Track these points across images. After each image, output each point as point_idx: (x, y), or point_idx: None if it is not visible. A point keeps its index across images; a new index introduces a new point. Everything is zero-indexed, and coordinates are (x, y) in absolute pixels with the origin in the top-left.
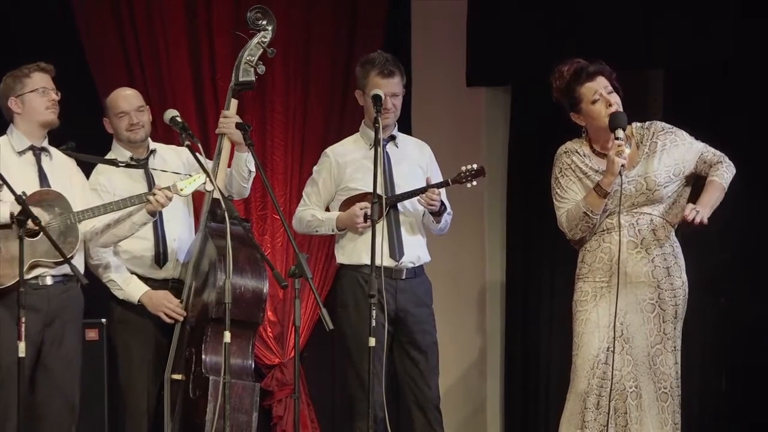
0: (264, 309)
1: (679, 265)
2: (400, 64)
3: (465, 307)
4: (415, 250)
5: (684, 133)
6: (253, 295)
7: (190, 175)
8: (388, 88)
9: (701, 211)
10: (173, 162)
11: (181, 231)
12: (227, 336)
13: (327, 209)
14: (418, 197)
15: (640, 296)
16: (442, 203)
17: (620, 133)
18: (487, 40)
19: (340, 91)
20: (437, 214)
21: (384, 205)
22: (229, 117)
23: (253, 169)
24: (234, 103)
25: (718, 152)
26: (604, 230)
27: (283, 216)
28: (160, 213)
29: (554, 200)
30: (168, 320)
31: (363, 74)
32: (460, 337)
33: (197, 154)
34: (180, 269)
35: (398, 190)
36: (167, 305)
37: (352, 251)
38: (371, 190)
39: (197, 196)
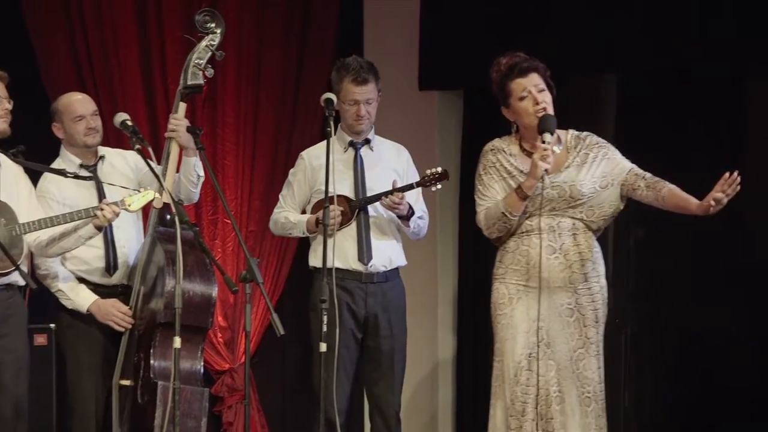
0: (213, 314)
1: (597, 270)
2: (376, 69)
3: (416, 312)
4: (386, 254)
5: (616, 150)
6: (202, 300)
7: (138, 191)
8: (362, 95)
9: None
10: (122, 167)
11: (130, 236)
12: (177, 341)
13: (304, 212)
14: (381, 200)
15: (558, 301)
16: (411, 207)
17: (547, 136)
18: (440, 44)
19: (291, 95)
20: (405, 218)
21: (355, 207)
22: (179, 120)
23: (202, 173)
24: (183, 106)
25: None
26: (523, 232)
27: (234, 220)
28: None
29: (475, 197)
30: (118, 328)
31: (337, 79)
32: (412, 343)
33: (147, 159)
34: (128, 274)
35: (371, 192)
36: (116, 314)
37: (327, 255)
38: (343, 193)
39: None
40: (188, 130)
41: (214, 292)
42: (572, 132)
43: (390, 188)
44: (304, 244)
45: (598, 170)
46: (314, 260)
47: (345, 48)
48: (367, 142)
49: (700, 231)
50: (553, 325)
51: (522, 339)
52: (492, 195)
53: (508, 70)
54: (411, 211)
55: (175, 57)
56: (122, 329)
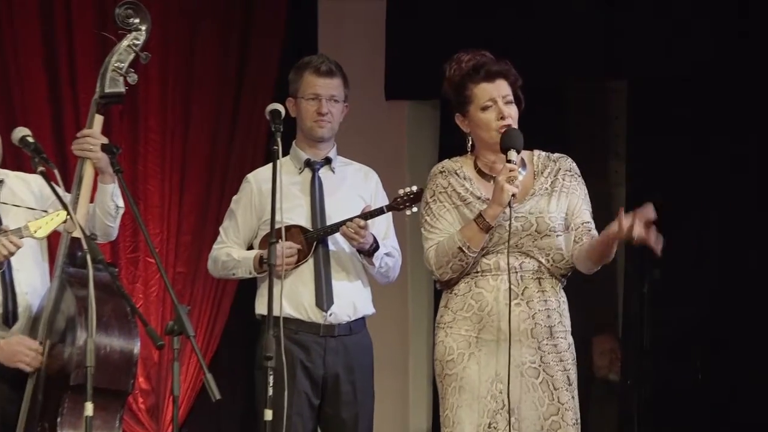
0: (135, 374)
1: (564, 324)
2: (345, 73)
3: (385, 373)
4: (350, 299)
5: (584, 187)
6: (120, 357)
7: (45, 212)
8: (325, 89)
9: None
10: (23, 194)
11: (33, 280)
12: (89, 408)
13: (251, 248)
14: (341, 229)
15: (519, 359)
16: (375, 241)
17: (513, 155)
18: (411, 47)
19: (230, 108)
20: (368, 254)
21: (312, 240)
22: (93, 137)
23: (122, 203)
24: (99, 119)
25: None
26: (478, 272)
27: (159, 259)
28: (8, 260)
29: (422, 231)
30: (29, 369)
31: (296, 77)
32: (379, 409)
33: (53, 183)
34: (30, 326)
35: (331, 222)
36: (26, 352)
37: (275, 300)
38: (298, 223)
39: (53, 235)
40: (103, 148)
41: (136, 347)
42: (539, 153)
43: (356, 215)
44: (246, 288)
45: (566, 205)
46: (261, 307)
47: (295, 53)
48: (328, 161)
49: (731, 270)
50: (515, 387)
51: (478, 405)
52: (443, 227)
53: (473, 70)
54: (375, 245)
55: (87, 59)
56: (32, 370)
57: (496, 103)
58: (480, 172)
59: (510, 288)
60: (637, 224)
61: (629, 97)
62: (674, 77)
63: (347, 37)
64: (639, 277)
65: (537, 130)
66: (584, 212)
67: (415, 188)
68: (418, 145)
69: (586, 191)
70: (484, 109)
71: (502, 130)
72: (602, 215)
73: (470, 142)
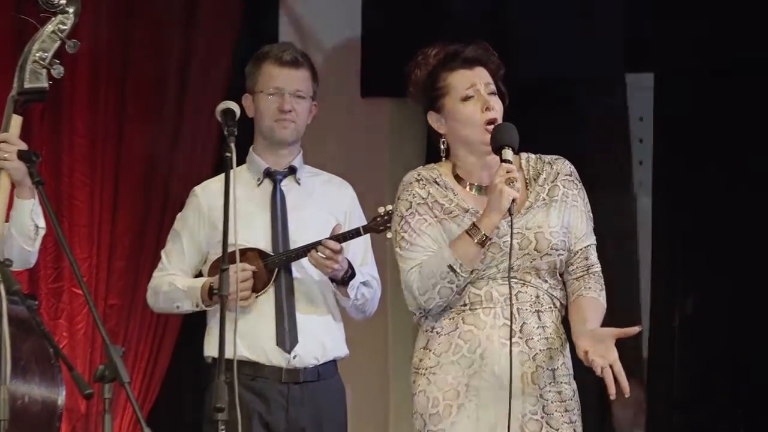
0: (58, 429)
1: (567, 366)
2: (313, 64)
3: (361, 426)
4: (319, 338)
5: (586, 197)
6: (41, 409)
7: None
8: (288, 82)
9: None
10: None
11: None
12: None
13: (200, 275)
14: (310, 254)
15: (519, 410)
16: (351, 267)
17: (509, 153)
18: (391, 34)
19: (174, 107)
20: (341, 283)
21: (273, 267)
22: (8, 142)
23: (43, 223)
24: (16, 121)
25: (598, 260)
26: (465, 305)
27: (87, 290)
28: None
29: (397, 251)
30: None
31: (254, 69)
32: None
33: None
34: None
35: (296, 246)
36: None
37: (228, 339)
38: (256, 246)
39: None
40: (20, 156)
41: (60, 397)
42: (528, 156)
43: (325, 237)
44: (193, 324)
45: (566, 216)
46: (211, 348)
47: (252, 41)
48: (292, 171)
49: None
50: None
51: None
52: (426, 244)
53: (446, 57)
54: (350, 272)
55: (2, 48)
56: None
57: (478, 91)
58: (461, 182)
59: (500, 323)
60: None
61: (656, 95)
62: (708, 71)
63: (313, 22)
64: (668, 310)
65: (543, 135)
66: (585, 234)
67: None
68: (402, 151)
69: (588, 201)
70: (465, 99)
71: (490, 126)
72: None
73: (444, 145)
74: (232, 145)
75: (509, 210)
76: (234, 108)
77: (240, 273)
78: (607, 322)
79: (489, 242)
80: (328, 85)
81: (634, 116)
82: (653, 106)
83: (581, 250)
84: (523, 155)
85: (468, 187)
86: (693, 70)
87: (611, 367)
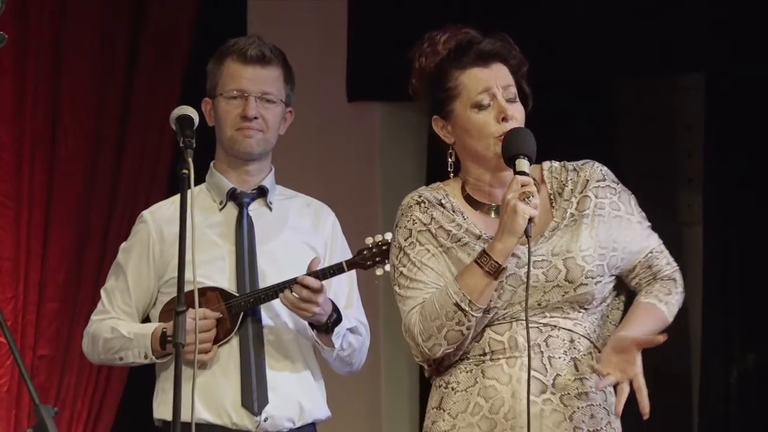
0: None
1: (614, 426)
2: (287, 60)
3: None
4: (293, 396)
5: (633, 198)
6: None
7: None
8: (256, 82)
9: (627, 380)
10: None
11: None
12: None
13: (148, 319)
14: (284, 295)
15: None
16: (335, 310)
17: (524, 164)
18: (383, 29)
19: (118, 113)
20: (324, 330)
21: (238, 311)
22: None
23: None
24: None
25: (672, 260)
26: (485, 354)
27: (12, 338)
28: None
29: (396, 289)
30: None
31: (215, 67)
32: None
33: None
34: None
35: (266, 284)
36: None
37: (184, 399)
38: (219, 285)
39: None
40: None
41: None
42: (550, 164)
43: (303, 273)
44: (141, 379)
45: (606, 234)
46: (162, 409)
47: (213, 33)
48: (262, 193)
49: None
50: None
51: None
52: (429, 280)
53: (458, 49)
54: (335, 317)
55: None
56: None
57: (494, 97)
58: (470, 201)
59: (524, 377)
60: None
61: (708, 99)
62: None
63: (289, 14)
64: (724, 364)
65: (572, 148)
66: (641, 242)
67: (389, 237)
68: (396, 165)
69: (635, 203)
70: (477, 106)
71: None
72: None
73: (452, 158)
74: (190, 160)
75: (526, 231)
76: (191, 114)
77: (201, 322)
78: (650, 379)
79: (504, 273)
80: (308, 88)
81: (680, 125)
82: (705, 113)
83: (641, 261)
84: (546, 164)
85: (481, 210)
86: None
87: (631, 382)
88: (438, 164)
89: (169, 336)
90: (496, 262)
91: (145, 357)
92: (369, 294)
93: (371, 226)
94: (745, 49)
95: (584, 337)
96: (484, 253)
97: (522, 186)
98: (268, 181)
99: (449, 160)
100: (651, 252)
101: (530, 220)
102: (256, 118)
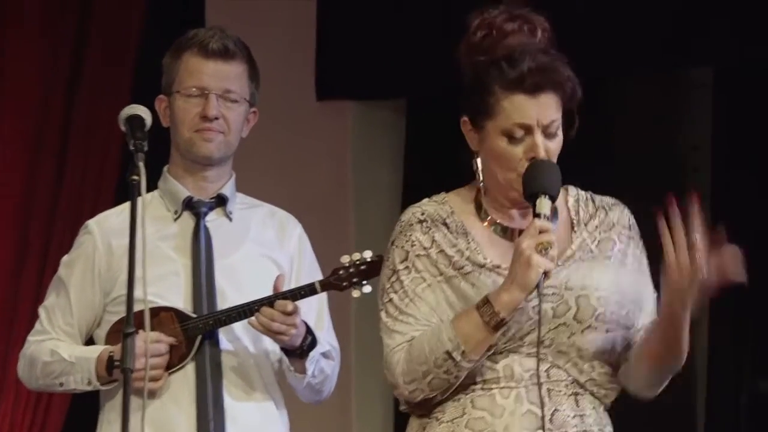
0: None
1: None
2: (251, 54)
3: None
4: (255, 427)
5: (644, 252)
6: None
7: None
8: (217, 78)
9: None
10: None
11: None
12: None
13: (91, 341)
14: (255, 316)
15: None
16: (309, 332)
17: (545, 205)
18: (356, 20)
19: (59, 113)
20: (297, 355)
21: (194, 334)
22: None
23: None
24: None
25: None
26: (477, 383)
27: None
28: None
29: (383, 316)
30: None
31: (172, 61)
32: None
33: None
34: None
35: (225, 303)
36: None
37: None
38: (173, 305)
39: None
40: None
41: None
42: (577, 192)
43: (269, 293)
44: (83, 407)
45: (625, 281)
46: None
47: (168, 27)
48: (221, 202)
49: None
50: None
51: None
52: (422, 314)
53: (508, 61)
54: (310, 340)
55: None
56: None
57: (531, 132)
58: (485, 218)
59: (525, 409)
60: (704, 258)
61: (715, 97)
62: None
63: (250, 8)
64: (731, 391)
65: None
66: (651, 303)
67: (369, 255)
68: (371, 169)
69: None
70: (509, 136)
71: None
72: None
73: (477, 166)
74: (141, 164)
75: (537, 286)
76: (143, 114)
77: (152, 346)
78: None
79: (506, 324)
80: (273, 86)
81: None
82: (712, 113)
83: (644, 325)
84: (572, 191)
85: (488, 221)
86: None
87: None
88: (414, 169)
89: (117, 360)
90: (499, 316)
91: (89, 383)
92: (340, 315)
93: (343, 238)
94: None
95: (580, 382)
96: (486, 301)
97: (540, 233)
98: (228, 189)
99: (475, 167)
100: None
101: (545, 274)
102: (217, 118)
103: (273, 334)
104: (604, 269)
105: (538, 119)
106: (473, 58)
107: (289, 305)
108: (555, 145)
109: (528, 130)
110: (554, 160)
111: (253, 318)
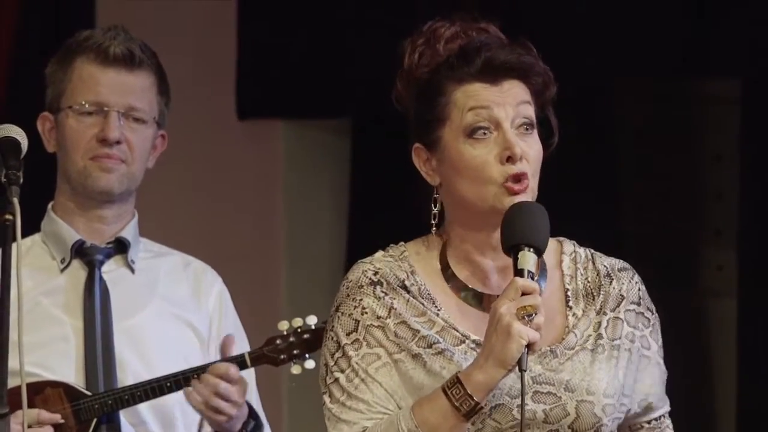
0: None
1: None
2: (158, 60)
3: None
4: None
5: (660, 335)
6: None
7: None
8: (120, 92)
9: None
10: None
11: None
12: None
13: None
14: (191, 389)
15: None
16: (253, 416)
17: (529, 260)
18: (282, 29)
19: None
20: None
21: (89, 416)
22: None
23: None
24: None
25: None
26: None
27: None
28: None
29: (326, 400)
30: None
31: (59, 68)
32: None
33: None
34: None
35: (129, 379)
36: None
37: None
38: (62, 378)
39: None
40: None
41: None
42: (576, 250)
43: (179, 362)
44: None
45: (630, 374)
46: None
47: (46, 32)
48: (121, 248)
49: None
50: None
51: None
52: (376, 400)
53: (461, 55)
54: (254, 425)
55: None
56: None
57: (499, 126)
58: (450, 277)
59: None
60: None
61: (744, 114)
62: None
63: (160, 13)
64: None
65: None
66: (661, 398)
67: (313, 321)
68: (307, 199)
69: (660, 337)
70: (471, 133)
71: (514, 187)
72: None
73: (437, 208)
74: (16, 201)
75: (519, 363)
76: (18, 137)
77: (32, 429)
78: None
79: (481, 410)
80: (185, 104)
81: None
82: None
83: (655, 421)
84: (567, 246)
85: (453, 286)
86: None
87: None
88: (361, 203)
89: None
90: (473, 401)
91: None
92: (269, 388)
93: (274, 292)
94: None
95: None
96: (457, 381)
97: (523, 294)
98: (130, 232)
99: (433, 210)
100: (663, 416)
101: (528, 347)
102: (119, 142)
103: (212, 411)
104: (612, 366)
105: (505, 108)
106: (416, 75)
107: (232, 369)
108: (533, 149)
109: (495, 124)
110: (534, 165)
111: (189, 388)
